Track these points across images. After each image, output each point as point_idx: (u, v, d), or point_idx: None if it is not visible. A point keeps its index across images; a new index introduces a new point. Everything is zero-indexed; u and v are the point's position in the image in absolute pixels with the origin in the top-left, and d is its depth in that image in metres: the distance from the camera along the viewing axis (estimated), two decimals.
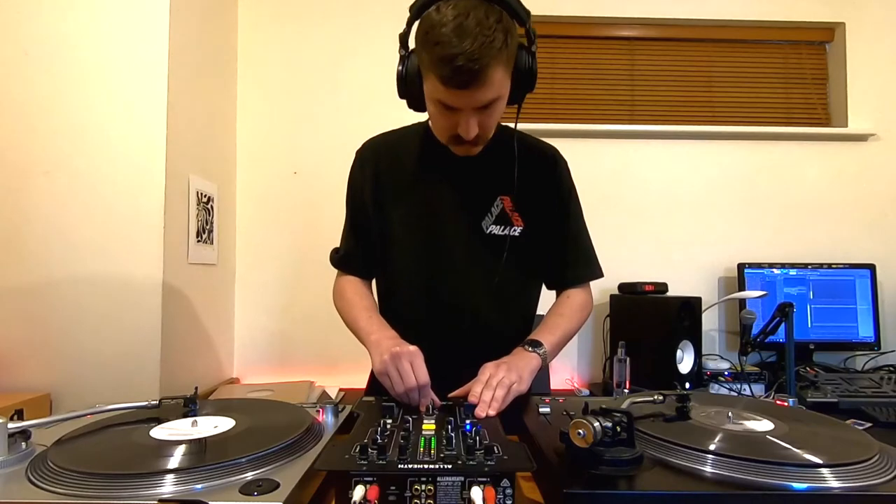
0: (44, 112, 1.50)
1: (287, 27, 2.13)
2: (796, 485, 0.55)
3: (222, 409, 0.79)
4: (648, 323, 1.84)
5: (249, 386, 1.97)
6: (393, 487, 0.54)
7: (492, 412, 0.80)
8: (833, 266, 2.03)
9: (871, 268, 2.02)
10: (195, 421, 0.71)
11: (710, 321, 2.13)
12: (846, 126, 2.19)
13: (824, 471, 0.56)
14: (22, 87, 1.50)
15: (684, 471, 0.59)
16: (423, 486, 0.55)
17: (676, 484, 0.56)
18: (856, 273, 2.01)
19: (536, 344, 0.97)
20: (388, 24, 2.18)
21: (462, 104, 0.86)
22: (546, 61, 2.25)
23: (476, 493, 0.53)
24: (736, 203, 2.18)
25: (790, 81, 2.27)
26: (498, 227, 1.02)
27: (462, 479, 0.55)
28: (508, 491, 0.54)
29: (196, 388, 0.85)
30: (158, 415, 0.76)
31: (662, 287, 1.93)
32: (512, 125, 1.01)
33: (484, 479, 0.54)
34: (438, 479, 0.55)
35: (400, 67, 0.89)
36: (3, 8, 1.50)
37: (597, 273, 1.13)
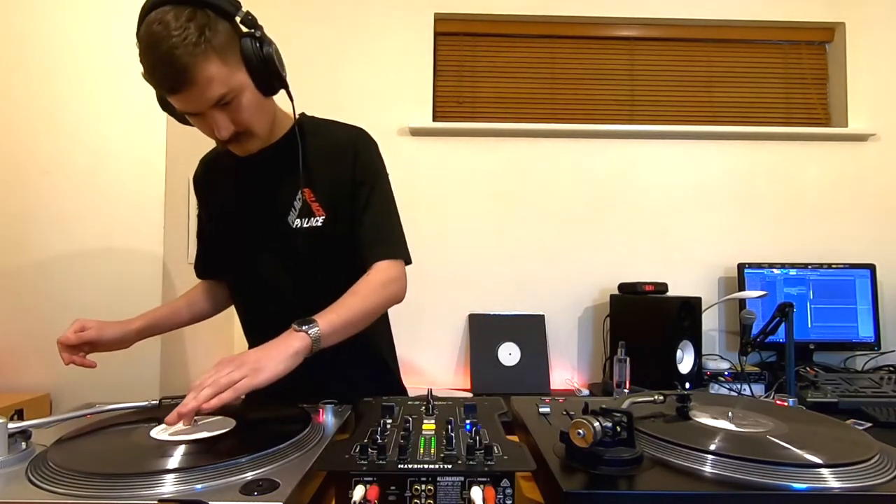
0: (44, 112, 1.50)
1: (286, 27, 2.12)
2: (796, 485, 0.55)
3: (222, 409, 0.79)
4: (648, 323, 1.84)
5: None
6: (393, 487, 0.54)
7: (184, 411, 0.69)
8: (833, 266, 2.03)
9: (871, 268, 2.02)
10: (195, 421, 0.71)
11: (710, 321, 2.12)
12: (846, 126, 2.19)
13: (824, 471, 0.56)
14: (22, 87, 1.50)
15: (684, 471, 0.59)
16: (423, 486, 0.55)
17: (676, 484, 0.56)
18: (856, 273, 2.01)
19: (309, 322, 0.87)
20: (388, 25, 2.19)
21: (192, 107, 0.87)
22: (546, 61, 2.25)
23: (476, 493, 0.53)
24: (736, 203, 2.18)
25: (790, 81, 2.27)
26: (302, 219, 1.03)
27: (462, 479, 0.55)
28: (508, 491, 0.54)
29: None
30: (158, 415, 0.76)
31: (662, 287, 1.93)
32: (313, 115, 1.10)
33: (484, 479, 0.54)
34: (438, 479, 0.55)
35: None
36: (3, 8, 1.50)
37: (395, 252, 1.04)
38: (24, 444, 0.63)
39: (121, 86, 1.51)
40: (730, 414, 0.73)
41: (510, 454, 0.59)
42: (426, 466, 0.56)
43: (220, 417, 0.74)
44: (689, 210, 2.17)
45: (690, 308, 1.80)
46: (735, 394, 1.71)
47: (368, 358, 1.13)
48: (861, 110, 2.19)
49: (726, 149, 2.19)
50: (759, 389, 1.75)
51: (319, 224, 1.03)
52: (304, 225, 1.03)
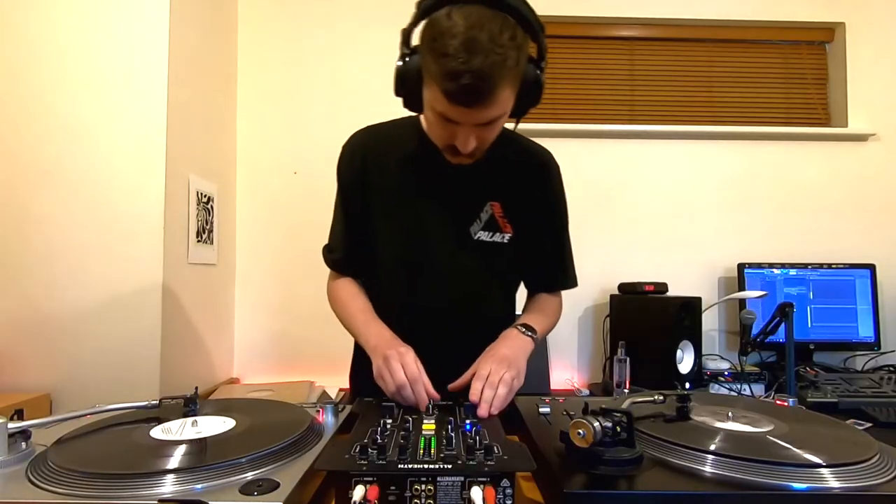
0: (44, 112, 1.50)
1: (287, 27, 2.12)
2: (796, 485, 0.54)
3: (222, 409, 0.79)
4: (648, 323, 1.83)
5: (249, 386, 1.97)
6: (393, 487, 0.54)
7: (494, 411, 0.80)
8: (833, 266, 2.02)
9: (871, 268, 2.02)
10: (195, 421, 0.71)
11: (710, 321, 2.12)
12: (846, 126, 2.19)
13: (824, 471, 0.56)
14: (22, 88, 1.50)
15: (684, 471, 0.59)
16: (423, 486, 0.54)
17: (676, 484, 0.56)
18: (856, 273, 2.01)
19: (531, 328, 0.97)
20: (388, 25, 2.18)
21: (464, 120, 0.81)
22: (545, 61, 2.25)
23: (476, 493, 0.53)
24: (736, 203, 2.18)
25: (790, 81, 2.27)
26: (486, 233, 1.01)
27: (462, 479, 0.55)
28: (508, 491, 0.54)
29: (196, 388, 0.85)
30: (158, 415, 0.75)
31: (662, 287, 1.93)
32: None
33: (484, 479, 0.54)
34: (438, 479, 0.55)
35: (400, 64, 0.83)
36: (4, 8, 1.50)
37: (572, 284, 1.13)
38: (24, 444, 0.63)
39: (121, 86, 1.51)
40: (730, 414, 0.73)
41: (510, 454, 0.59)
42: (426, 466, 0.56)
43: (220, 417, 0.73)
44: (689, 210, 2.17)
45: (690, 308, 1.80)
46: (735, 394, 1.71)
47: None
48: (861, 110, 2.19)
49: (726, 149, 2.19)
50: (759, 389, 1.74)
51: (505, 241, 1.01)
52: (488, 238, 1.00)
